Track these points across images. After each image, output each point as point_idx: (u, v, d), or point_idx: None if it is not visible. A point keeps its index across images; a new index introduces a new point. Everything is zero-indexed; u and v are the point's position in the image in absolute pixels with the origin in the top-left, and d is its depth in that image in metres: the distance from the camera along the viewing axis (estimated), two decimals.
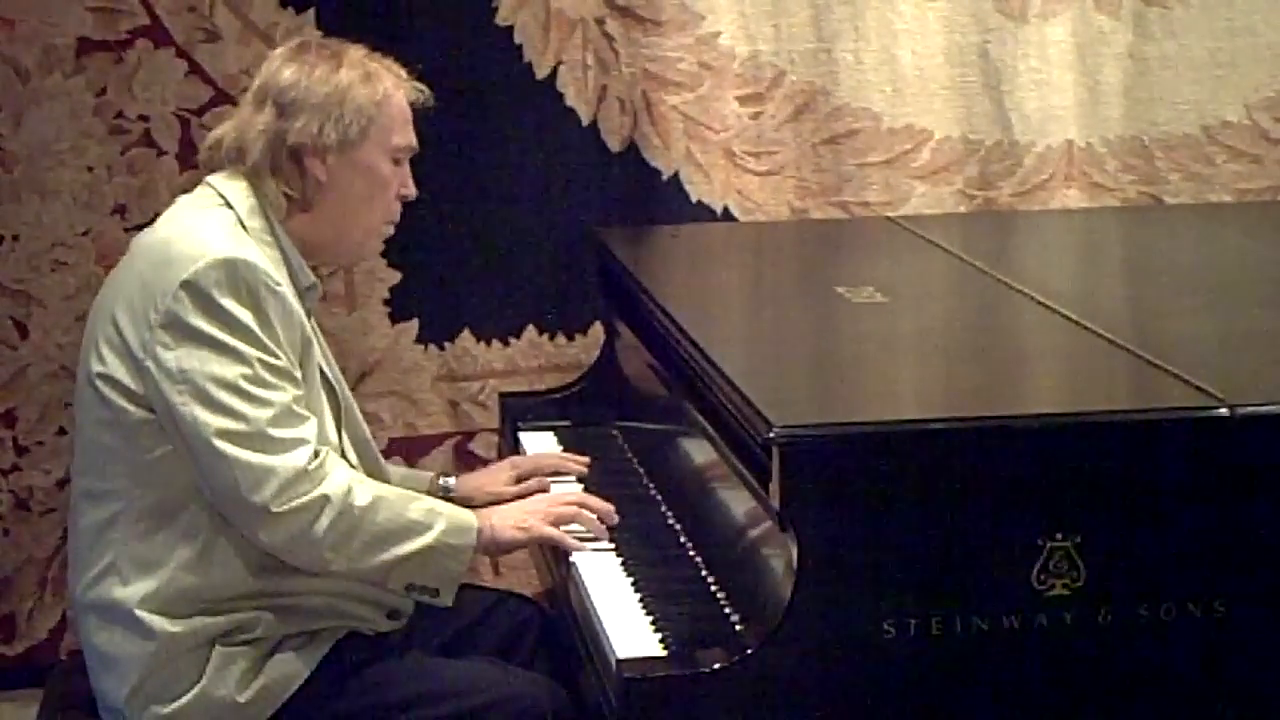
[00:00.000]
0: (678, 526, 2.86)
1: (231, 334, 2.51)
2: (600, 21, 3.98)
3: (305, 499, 2.51)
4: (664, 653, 2.41)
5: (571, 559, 2.72)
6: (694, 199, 4.03)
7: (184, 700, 2.54)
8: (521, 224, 3.99)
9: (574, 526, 2.77)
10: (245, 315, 2.52)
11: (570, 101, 3.99)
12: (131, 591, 2.55)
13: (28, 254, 3.86)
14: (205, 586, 2.55)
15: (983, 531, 2.31)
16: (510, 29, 3.96)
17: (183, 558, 2.55)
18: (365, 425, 2.77)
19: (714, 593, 2.60)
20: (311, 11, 3.87)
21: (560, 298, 4.03)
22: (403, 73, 2.73)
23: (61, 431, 3.87)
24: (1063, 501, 2.31)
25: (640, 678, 2.29)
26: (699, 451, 2.81)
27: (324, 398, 2.65)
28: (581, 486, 3.00)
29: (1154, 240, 3.81)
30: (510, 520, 2.71)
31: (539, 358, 4.04)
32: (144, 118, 3.86)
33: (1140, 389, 2.63)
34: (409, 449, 4.00)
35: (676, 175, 4.03)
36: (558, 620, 2.82)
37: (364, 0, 3.86)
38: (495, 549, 2.77)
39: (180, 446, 2.53)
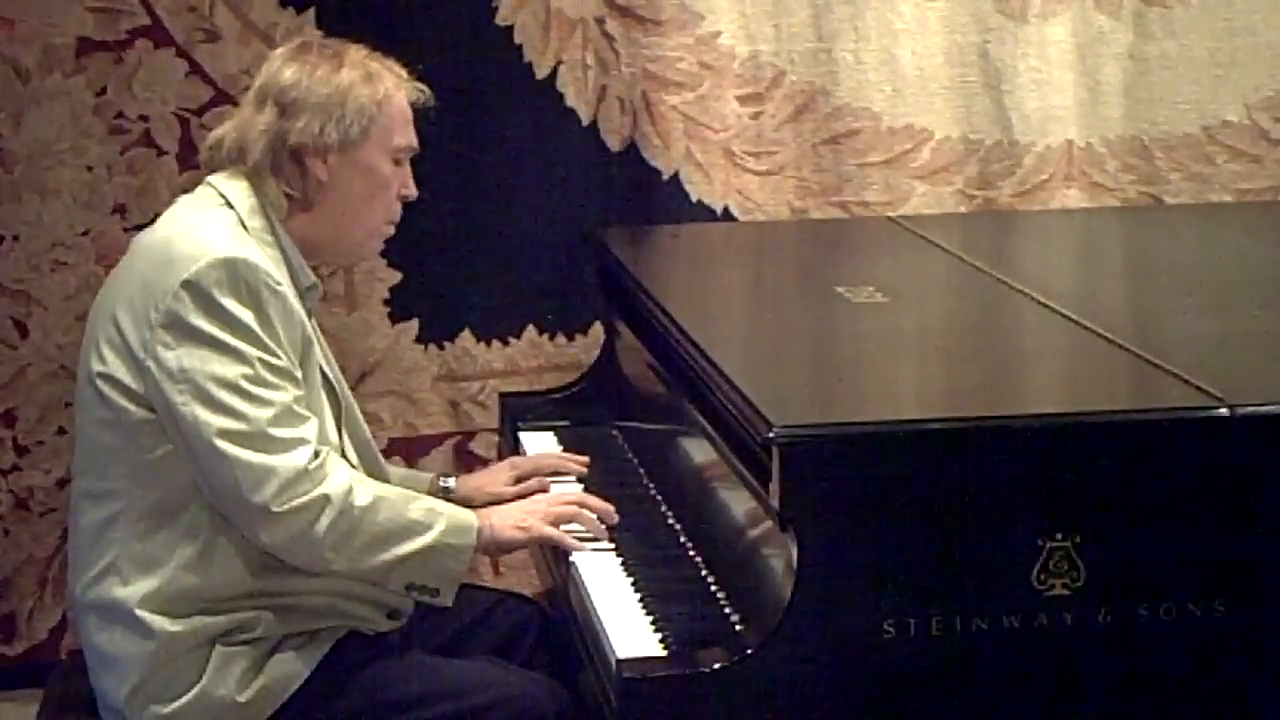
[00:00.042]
0: (678, 526, 2.86)
1: (232, 334, 2.51)
2: (600, 21, 3.97)
3: (306, 499, 2.51)
4: (664, 653, 2.41)
5: (571, 559, 2.72)
6: (694, 199, 4.03)
7: (184, 700, 2.54)
8: (521, 224, 3.99)
9: (574, 526, 2.77)
10: (246, 315, 2.52)
11: (570, 101, 3.99)
12: (132, 591, 2.55)
13: (28, 254, 3.86)
14: (205, 586, 2.55)
15: (983, 531, 2.31)
16: (510, 29, 3.96)
17: (183, 557, 2.55)
18: (365, 425, 2.77)
19: (714, 593, 2.60)
20: (311, 11, 3.87)
21: (560, 298, 4.02)
22: (403, 73, 2.73)
23: (61, 431, 3.87)
24: (1062, 502, 2.31)
25: (640, 678, 2.29)
26: (699, 451, 2.81)
27: (324, 398, 2.65)
28: (581, 486, 3.00)
29: (1154, 240, 3.81)
30: (510, 520, 2.72)
31: (539, 358, 4.03)
32: (144, 118, 3.86)
33: (1140, 389, 2.63)
34: (409, 449, 4.00)
35: (676, 175, 4.02)
36: (558, 620, 2.82)
37: (364, 0, 3.86)
38: (495, 549, 2.77)
39: (181, 446, 2.53)
